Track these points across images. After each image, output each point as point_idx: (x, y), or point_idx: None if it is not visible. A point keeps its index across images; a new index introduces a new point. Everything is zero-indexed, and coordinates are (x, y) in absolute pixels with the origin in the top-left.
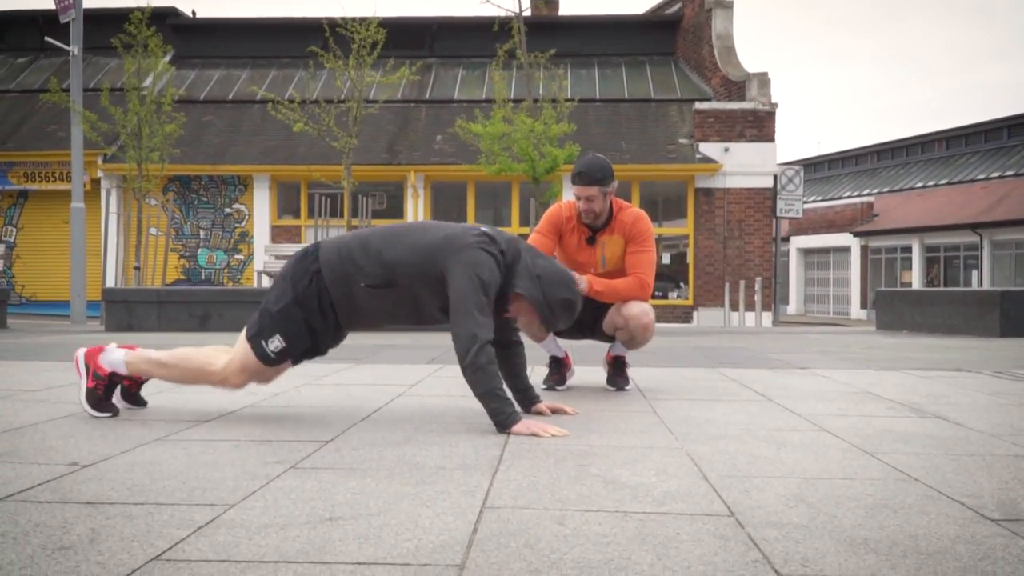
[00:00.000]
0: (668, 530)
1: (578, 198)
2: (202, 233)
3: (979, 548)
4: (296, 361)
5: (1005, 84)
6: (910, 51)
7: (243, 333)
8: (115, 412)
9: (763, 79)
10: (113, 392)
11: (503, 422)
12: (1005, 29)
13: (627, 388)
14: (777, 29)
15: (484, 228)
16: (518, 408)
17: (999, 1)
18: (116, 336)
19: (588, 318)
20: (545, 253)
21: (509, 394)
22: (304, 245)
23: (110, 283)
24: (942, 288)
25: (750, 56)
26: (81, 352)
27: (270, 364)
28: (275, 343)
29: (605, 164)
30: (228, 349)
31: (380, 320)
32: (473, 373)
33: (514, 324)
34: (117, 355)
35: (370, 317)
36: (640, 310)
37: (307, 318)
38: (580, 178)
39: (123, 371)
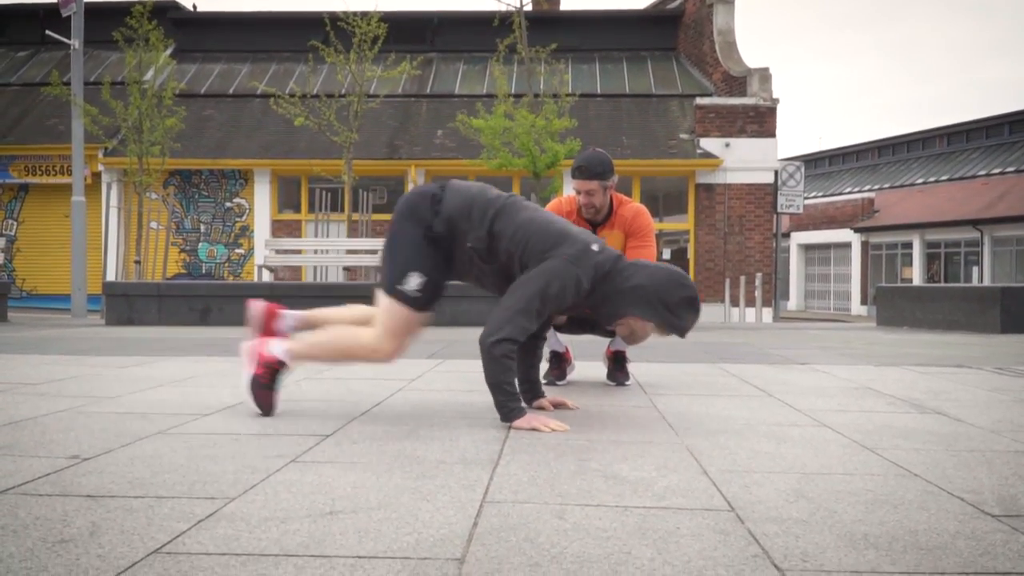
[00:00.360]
0: (668, 525)
1: (578, 192)
2: (202, 227)
3: (979, 544)
4: (431, 303)
5: (1005, 81)
6: (911, 48)
7: (380, 297)
8: (269, 412)
9: (764, 74)
10: (277, 381)
11: (506, 415)
12: (1006, 29)
13: (627, 383)
14: (779, 25)
15: (596, 247)
16: (523, 404)
17: None
18: (116, 330)
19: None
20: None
21: (518, 385)
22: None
23: (111, 277)
24: (943, 284)
25: (751, 51)
26: (251, 345)
27: (418, 307)
28: (414, 280)
29: (605, 158)
30: (370, 314)
31: (468, 281)
32: (489, 361)
33: (552, 321)
34: (281, 346)
35: (460, 274)
36: None
37: (434, 253)
38: (580, 172)
39: (287, 360)
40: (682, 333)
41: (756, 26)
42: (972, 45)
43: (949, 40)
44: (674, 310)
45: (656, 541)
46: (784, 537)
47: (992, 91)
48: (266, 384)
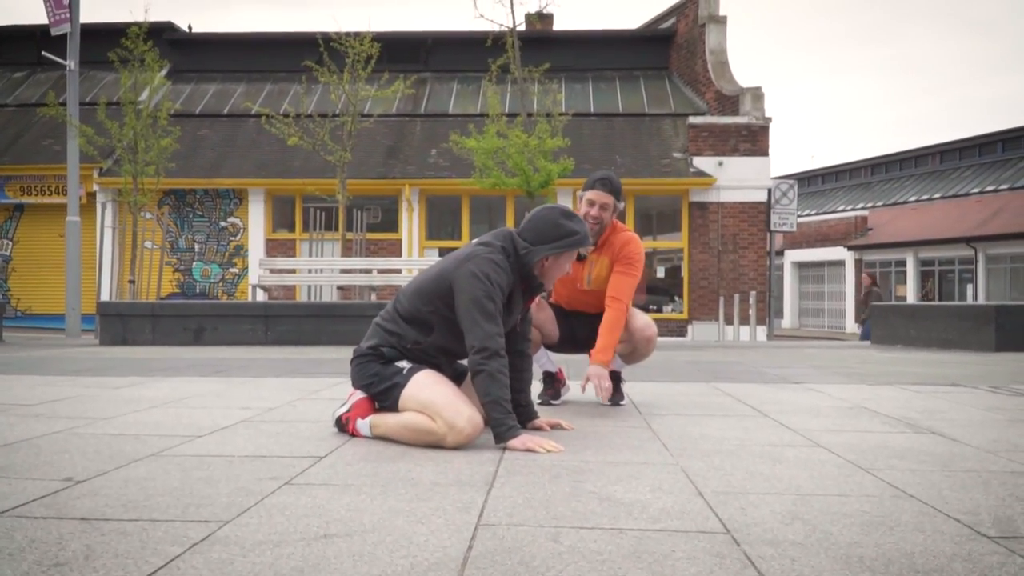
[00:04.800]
0: (663, 547)
1: (592, 204)
2: (197, 247)
3: (976, 566)
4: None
5: (1000, 99)
6: (907, 64)
7: (401, 408)
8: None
9: (756, 93)
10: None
11: (502, 434)
12: (1003, 47)
13: (622, 403)
14: (771, 42)
15: (485, 237)
16: (517, 424)
17: (1000, 13)
18: (110, 350)
19: (584, 334)
20: None
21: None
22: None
23: (105, 296)
24: (937, 302)
25: (744, 69)
26: (356, 414)
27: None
28: (402, 363)
29: (620, 183)
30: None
31: (450, 361)
32: (483, 379)
33: (527, 329)
34: (365, 422)
35: (440, 364)
36: (644, 323)
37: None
38: (602, 184)
39: (367, 434)
40: (584, 242)
41: (748, 45)
42: (972, 61)
43: (949, 55)
44: (565, 233)
45: (651, 564)
46: (780, 560)
47: (988, 109)
48: (342, 428)
